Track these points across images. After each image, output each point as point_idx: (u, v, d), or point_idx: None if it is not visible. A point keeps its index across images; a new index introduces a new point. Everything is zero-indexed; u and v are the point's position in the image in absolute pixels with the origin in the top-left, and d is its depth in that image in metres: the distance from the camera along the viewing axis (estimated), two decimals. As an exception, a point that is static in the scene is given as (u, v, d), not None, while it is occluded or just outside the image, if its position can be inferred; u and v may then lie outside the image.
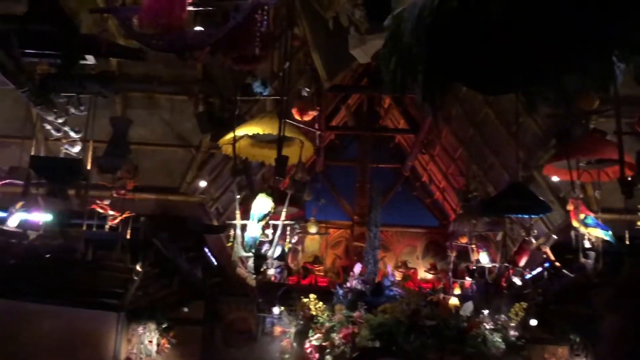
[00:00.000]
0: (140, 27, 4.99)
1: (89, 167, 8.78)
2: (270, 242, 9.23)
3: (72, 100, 7.26)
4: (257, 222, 8.92)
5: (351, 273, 12.11)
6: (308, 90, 9.85)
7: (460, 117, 12.79)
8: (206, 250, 12.47)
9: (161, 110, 10.30)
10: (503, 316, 10.62)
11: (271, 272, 12.09)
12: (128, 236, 9.95)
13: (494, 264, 12.85)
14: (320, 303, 10.72)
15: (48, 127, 8.37)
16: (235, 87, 9.15)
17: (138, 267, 10.43)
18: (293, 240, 10.12)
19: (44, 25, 5.83)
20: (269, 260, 9.22)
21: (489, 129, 12.07)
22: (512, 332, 10.54)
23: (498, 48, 2.79)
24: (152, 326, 12.26)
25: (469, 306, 10.46)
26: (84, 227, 9.59)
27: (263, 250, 9.13)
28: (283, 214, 9.04)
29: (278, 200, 8.96)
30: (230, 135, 8.83)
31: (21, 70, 6.26)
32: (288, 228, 9.12)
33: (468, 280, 13.25)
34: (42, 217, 8.88)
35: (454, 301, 10.79)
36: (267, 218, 8.91)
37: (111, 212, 9.51)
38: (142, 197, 10.49)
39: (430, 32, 2.83)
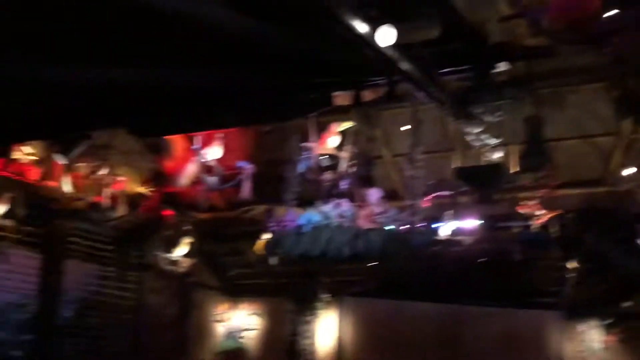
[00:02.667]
0: (551, 24, 4.94)
1: (512, 170, 8.95)
2: None
3: (488, 108, 7.48)
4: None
5: None
6: None
7: None
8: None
9: (571, 103, 10.05)
10: None
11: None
12: (557, 234, 9.92)
13: None
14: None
15: (467, 137, 8.76)
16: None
17: (571, 264, 10.30)
18: None
19: (457, 44, 6.14)
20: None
21: None
22: None
23: None
24: (594, 323, 11.90)
25: None
26: (514, 229, 9.82)
27: None
28: None
29: None
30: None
31: (441, 89, 6.67)
32: None
33: None
34: (473, 223, 9.34)
35: None
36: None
37: (539, 212, 9.57)
38: (565, 192, 10.39)
39: None
